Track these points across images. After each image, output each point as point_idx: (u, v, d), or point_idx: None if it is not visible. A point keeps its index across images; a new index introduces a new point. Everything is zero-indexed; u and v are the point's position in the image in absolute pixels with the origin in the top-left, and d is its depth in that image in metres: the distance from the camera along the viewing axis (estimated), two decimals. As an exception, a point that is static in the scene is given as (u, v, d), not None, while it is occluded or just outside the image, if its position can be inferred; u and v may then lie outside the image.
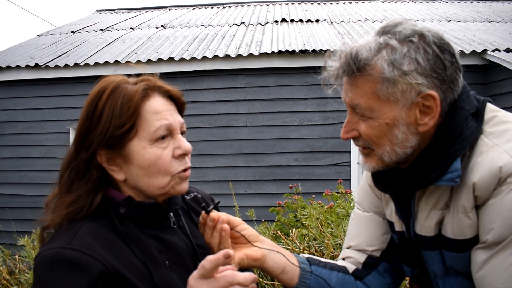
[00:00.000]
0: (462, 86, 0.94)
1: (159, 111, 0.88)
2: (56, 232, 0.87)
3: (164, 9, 10.19)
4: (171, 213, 0.98)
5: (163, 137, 0.89)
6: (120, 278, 0.81)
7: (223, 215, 0.94)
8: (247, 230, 0.99)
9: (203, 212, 0.94)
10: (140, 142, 0.87)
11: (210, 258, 0.78)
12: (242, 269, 1.15)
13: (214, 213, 0.93)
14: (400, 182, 0.98)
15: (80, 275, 0.77)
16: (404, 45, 0.88)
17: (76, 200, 0.87)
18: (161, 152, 0.88)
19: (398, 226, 1.09)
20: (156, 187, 0.90)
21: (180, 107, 0.96)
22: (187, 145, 0.92)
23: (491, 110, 0.96)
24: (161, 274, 0.87)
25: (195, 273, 0.80)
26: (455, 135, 0.91)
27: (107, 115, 0.86)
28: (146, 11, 10.00)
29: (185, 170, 0.93)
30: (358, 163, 1.05)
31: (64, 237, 0.83)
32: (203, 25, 7.86)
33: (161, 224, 0.95)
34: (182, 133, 0.95)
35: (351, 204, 3.04)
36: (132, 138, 0.87)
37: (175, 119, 0.92)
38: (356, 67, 0.90)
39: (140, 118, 0.87)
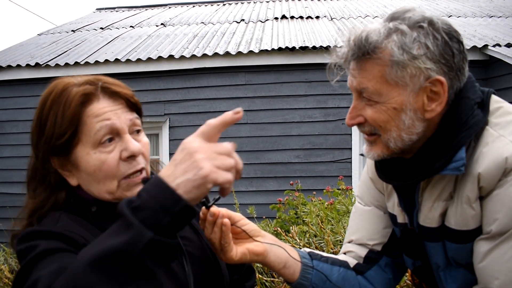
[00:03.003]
0: (468, 76, 0.95)
1: (100, 114, 0.84)
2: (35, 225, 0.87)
3: (164, 7, 10.18)
4: None
5: (110, 140, 0.84)
6: None
7: (223, 210, 0.94)
8: (248, 225, 0.99)
9: (203, 207, 0.94)
10: (84, 148, 0.84)
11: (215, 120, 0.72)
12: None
13: (214, 208, 0.93)
14: (404, 172, 0.98)
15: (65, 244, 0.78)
16: (414, 30, 0.89)
17: (37, 207, 0.87)
18: (105, 157, 0.84)
19: (401, 218, 1.09)
20: (105, 192, 0.86)
21: (133, 106, 0.90)
22: (134, 146, 0.85)
23: (496, 101, 0.96)
24: None
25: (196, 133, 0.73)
26: (460, 123, 0.91)
27: (50, 123, 0.84)
28: (146, 9, 9.99)
29: (135, 173, 0.87)
30: (360, 154, 1.07)
31: (47, 223, 0.84)
32: (203, 22, 7.85)
33: None
34: (138, 131, 0.90)
35: (352, 201, 3.05)
36: (76, 145, 0.84)
37: (121, 118, 0.86)
38: (366, 49, 0.90)
39: (82, 124, 0.83)
